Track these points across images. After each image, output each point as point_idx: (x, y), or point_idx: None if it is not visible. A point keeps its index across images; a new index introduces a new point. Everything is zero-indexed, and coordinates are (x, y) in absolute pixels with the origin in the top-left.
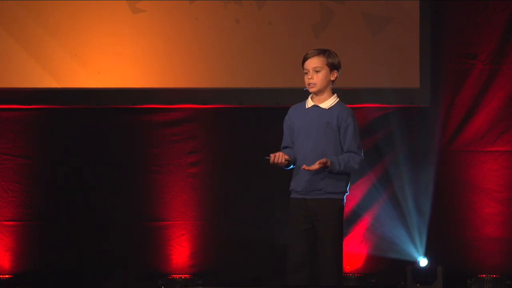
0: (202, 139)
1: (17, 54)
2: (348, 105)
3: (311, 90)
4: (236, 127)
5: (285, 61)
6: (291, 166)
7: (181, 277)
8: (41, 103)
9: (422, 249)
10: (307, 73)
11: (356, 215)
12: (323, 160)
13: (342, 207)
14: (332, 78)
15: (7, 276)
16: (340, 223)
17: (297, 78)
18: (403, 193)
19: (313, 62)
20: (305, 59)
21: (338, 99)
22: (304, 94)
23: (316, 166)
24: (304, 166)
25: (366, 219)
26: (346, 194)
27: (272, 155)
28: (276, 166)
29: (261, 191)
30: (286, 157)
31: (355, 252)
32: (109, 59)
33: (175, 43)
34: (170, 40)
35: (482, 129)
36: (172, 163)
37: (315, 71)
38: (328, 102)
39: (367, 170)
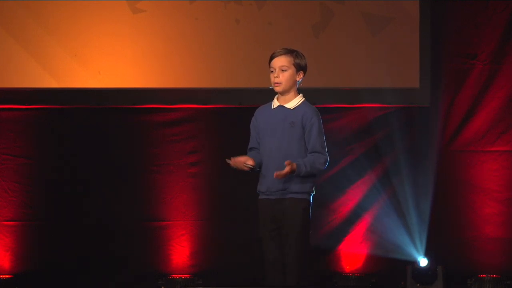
0: (202, 139)
1: (17, 54)
2: (348, 105)
3: (276, 89)
4: (236, 127)
5: None
6: (257, 170)
7: (181, 277)
8: (41, 103)
9: (422, 249)
10: (273, 71)
11: (356, 215)
12: (290, 164)
13: (307, 207)
14: (298, 79)
15: (7, 276)
16: (305, 223)
17: None
18: (403, 193)
19: (280, 61)
20: (272, 57)
21: (303, 99)
22: (302, 93)
23: (287, 171)
24: (276, 173)
25: (366, 219)
26: (313, 194)
27: (232, 160)
28: (238, 170)
29: None
30: (250, 163)
31: (355, 252)
32: (109, 59)
33: (175, 43)
34: (170, 40)
35: (482, 129)
36: (172, 163)
37: (281, 70)
38: (293, 102)
39: (367, 170)
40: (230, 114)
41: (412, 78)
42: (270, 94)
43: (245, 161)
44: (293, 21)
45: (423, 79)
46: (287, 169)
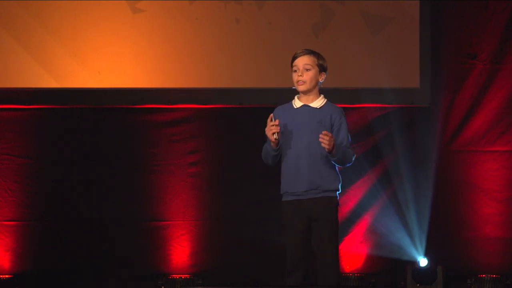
0: (202, 139)
1: (17, 54)
2: (348, 105)
3: (300, 88)
4: (236, 127)
5: (285, 61)
6: (275, 153)
7: (181, 277)
8: (41, 103)
9: (422, 249)
10: (296, 70)
11: (356, 215)
12: (330, 135)
13: (337, 204)
14: (320, 80)
15: (7, 276)
16: (336, 221)
17: None
18: (403, 193)
19: (304, 60)
20: (295, 57)
21: (326, 99)
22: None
23: (328, 141)
24: (324, 132)
25: (366, 219)
26: (339, 192)
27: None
28: (270, 136)
29: (261, 191)
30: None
31: (355, 252)
32: (109, 59)
33: (175, 43)
34: (170, 40)
35: (482, 129)
36: (172, 163)
37: (305, 69)
38: (318, 101)
39: (367, 170)
40: (230, 114)
41: (412, 78)
42: (269, 94)
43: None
44: (293, 21)
45: (423, 79)
46: (328, 138)
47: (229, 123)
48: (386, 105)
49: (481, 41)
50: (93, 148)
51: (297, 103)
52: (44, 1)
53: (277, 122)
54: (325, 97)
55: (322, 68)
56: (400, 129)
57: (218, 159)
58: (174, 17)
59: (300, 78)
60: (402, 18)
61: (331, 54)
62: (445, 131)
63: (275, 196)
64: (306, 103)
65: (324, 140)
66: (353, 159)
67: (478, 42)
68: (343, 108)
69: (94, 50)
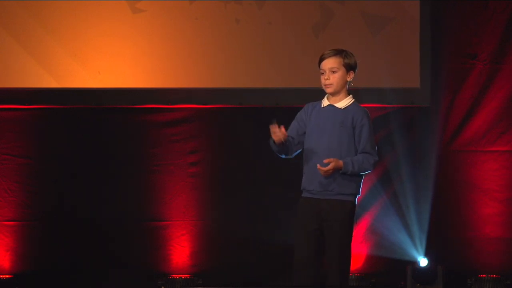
0: (202, 139)
1: (17, 54)
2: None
3: (327, 90)
4: (236, 127)
5: (285, 61)
6: (277, 148)
7: (181, 277)
8: (41, 103)
9: (422, 249)
10: (323, 73)
11: (356, 215)
12: (336, 163)
13: (352, 209)
14: (349, 79)
15: (7, 276)
16: (349, 225)
17: (297, 78)
18: (403, 193)
19: (330, 63)
20: (321, 59)
21: (353, 100)
22: (303, 93)
23: (330, 171)
24: (319, 166)
25: (366, 219)
26: (358, 195)
27: (280, 128)
28: (274, 139)
29: (261, 191)
30: (281, 135)
31: (355, 252)
32: (109, 59)
33: (175, 43)
34: (170, 40)
35: (482, 129)
36: (172, 163)
37: (332, 72)
38: (344, 102)
39: None
40: (230, 114)
41: (412, 78)
42: (270, 94)
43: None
44: (293, 21)
45: (423, 79)
46: (330, 166)
47: (229, 123)
48: (386, 105)
49: (481, 41)
50: (93, 148)
51: (325, 102)
52: (44, 1)
53: (282, 129)
54: (353, 97)
55: (349, 67)
56: (400, 129)
57: (218, 159)
58: (174, 17)
59: (327, 81)
60: (402, 18)
61: None
62: (445, 131)
63: (275, 196)
64: (333, 103)
65: (321, 172)
66: (374, 164)
67: (478, 42)
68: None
69: (94, 50)
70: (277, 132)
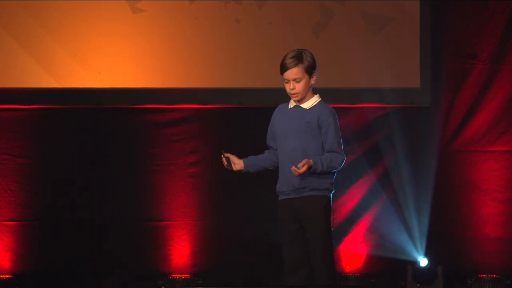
0: (202, 139)
1: (17, 54)
2: (347, 105)
3: (294, 99)
4: (236, 127)
5: None
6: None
7: (181, 277)
8: (41, 103)
9: (422, 249)
10: (287, 82)
11: (356, 215)
12: (307, 161)
13: (327, 204)
14: (312, 82)
15: (7, 276)
16: (326, 220)
17: None
18: (403, 193)
19: (293, 73)
20: (283, 69)
21: (319, 99)
22: None
23: (303, 169)
24: (293, 168)
25: (366, 219)
26: (333, 191)
27: (224, 156)
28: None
29: (261, 191)
30: (238, 167)
31: (355, 252)
32: (109, 59)
33: (175, 43)
34: (170, 40)
35: (482, 129)
36: (172, 163)
37: (296, 82)
38: (309, 102)
39: (367, 170)
40: (230, 114)
41: (412, 78)
42: (270, 94)
43: (233, 162)
44: (293, 21)
45: (423, 79)
46: (303, 168)
47: (229, 123)
48: (386, 105)
49: (481, 41)
50: (93, 148)
51: (291, 103)
52: (44, 1)
53: (233, 159)
54: (320, 96)
55: (311, 71)
56: (400, 129)
57: (218, 159)
58: (174, 17)
59: (293, 91)
60: (402, 18)
61: (331, 54)
62: (445, 131)
63: (275, 196)
64: (299, 104)
65: (295, 173)
66: (341, 163)
67: (478, 42)
68: (342, 108)
69: (94, 50)
70: (234, 164)
